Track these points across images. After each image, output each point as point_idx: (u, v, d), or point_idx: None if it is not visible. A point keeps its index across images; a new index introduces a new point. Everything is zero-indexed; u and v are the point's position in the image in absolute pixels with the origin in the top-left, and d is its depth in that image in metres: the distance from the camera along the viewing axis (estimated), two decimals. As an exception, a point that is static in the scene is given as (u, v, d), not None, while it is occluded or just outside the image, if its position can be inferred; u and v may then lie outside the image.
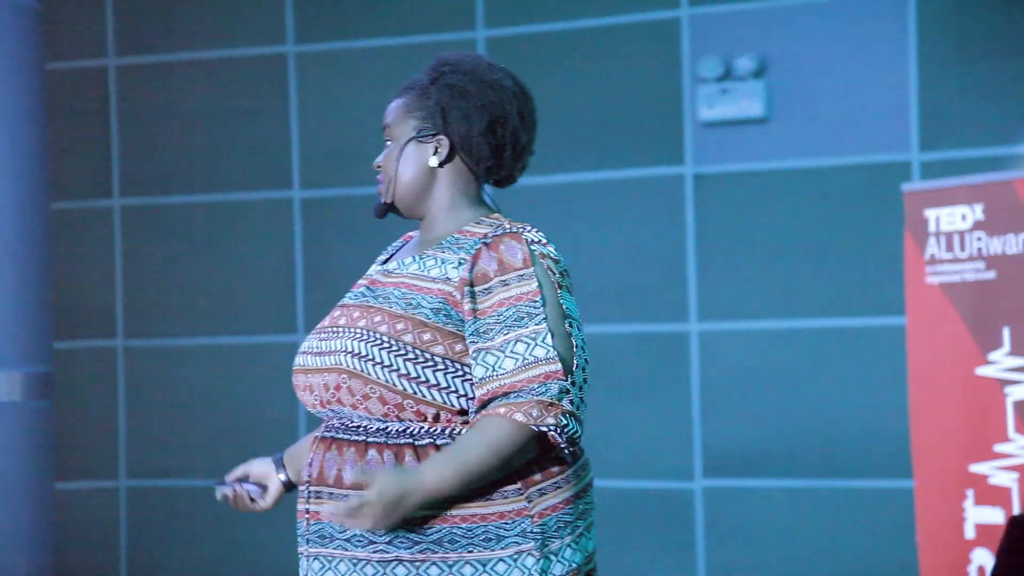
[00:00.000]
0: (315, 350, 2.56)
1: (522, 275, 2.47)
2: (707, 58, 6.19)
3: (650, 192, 6.28)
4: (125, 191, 6.95)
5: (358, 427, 2.50)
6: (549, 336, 2.43)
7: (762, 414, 6.11)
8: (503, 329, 2.44)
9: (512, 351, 2.43)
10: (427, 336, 2.47)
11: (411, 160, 2.63)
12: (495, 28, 6.52)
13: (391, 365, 2.45)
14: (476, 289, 2.48)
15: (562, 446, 2.42)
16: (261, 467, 2.78)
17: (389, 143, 2.66)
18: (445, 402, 2.47)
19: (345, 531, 2.47)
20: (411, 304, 2.49)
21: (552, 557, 2.47)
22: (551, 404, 2.40)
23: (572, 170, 6.38)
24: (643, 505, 6.27)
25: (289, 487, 2.75)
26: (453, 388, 2.47)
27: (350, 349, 2.48)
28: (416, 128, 2.62)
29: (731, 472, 6.17)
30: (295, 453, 2.76)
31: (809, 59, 6.12)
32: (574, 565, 2.50)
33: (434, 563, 2.44)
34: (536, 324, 2.44)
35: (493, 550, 2.45)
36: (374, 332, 2.48)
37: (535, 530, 2.46)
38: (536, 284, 2.47)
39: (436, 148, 2.62)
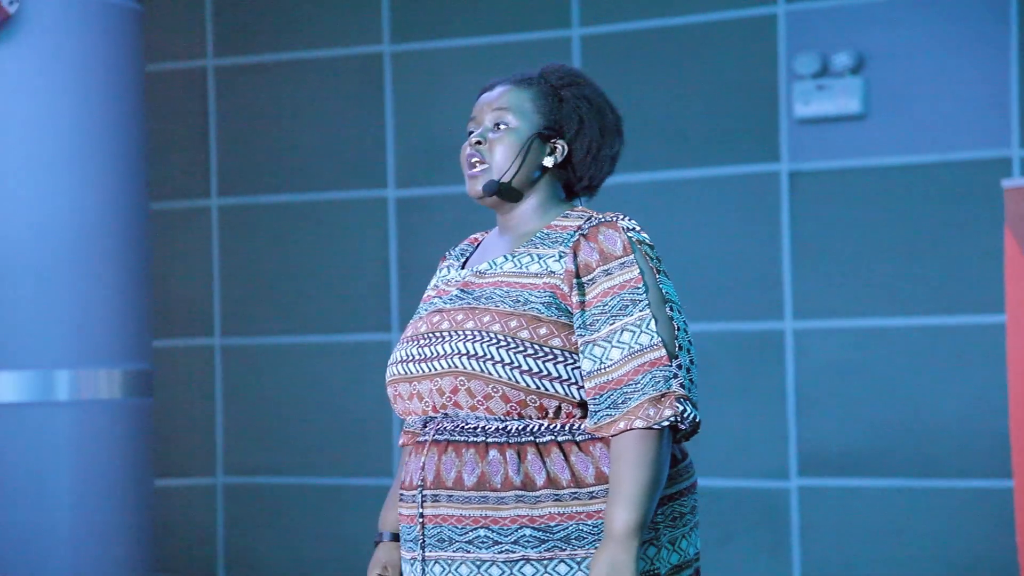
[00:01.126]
0: (418, 357, 2.55)
1: (623, 263, 2.48)
2: (804, 54, 6.14)
3: (745, 189, 6.24)
4: (223, 191, 7.03)
5: (475, 428, 2.50)
6: (653, 322, 2.45)
7: (858, 413, 6.06)
8: (608, 319, 2.46)
9: (618, 341, 2.44)
10: (543, 330, 2.48)
11: (529, 153, 2.62)
12: (590, 26, 6.52)
13: (512, 362, 2.46)
14: (582, 280, 2.49)
15: (686, 430, 2.45)
16: (388, 559, 2.74)
17: (501, 126, 2.63)
18: (567, 394, 2.47)
19: (466, 532, 2.48)
20: (519, 301, 2.50)
21: (669, 546, 2.50)
22: (662, 396, 2.41)
23: (667, 167, 6.36)
24: (738, 504, 6.24)
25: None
26: (573, 380, 2.48)
27: (465, 351, 2.48)
28: (542, 125, 2.63)
29: (826, 471, 6.13)
30: (392, 502, 2.74)
31: (907, 54, 6.06)
32: (689, 555, 2.54)
33: (562, 560, 2.45)
34: (640, 311, 2.45)
35: None
36: (487, 332, 2.48)
37: (656, 520, 2.49)
38: (637, 271, 2.48)
39: (553, 149, 2.63)
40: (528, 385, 2.46)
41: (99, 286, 5.26)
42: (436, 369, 2.51)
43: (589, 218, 2.56)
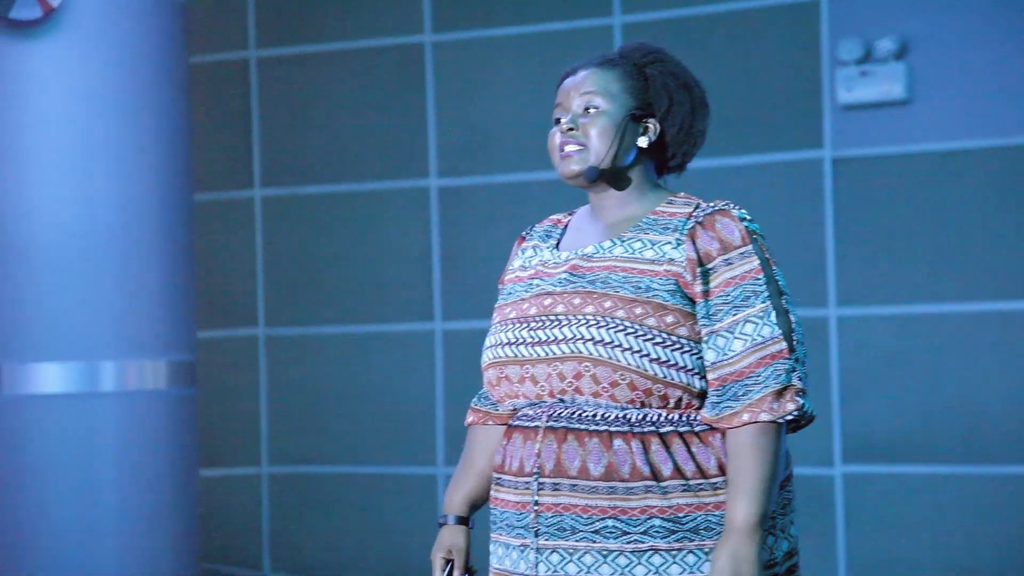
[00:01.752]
0: (531, 340, 2.51)
1: (743, 253, 2.48)
2: (847, 40, 6.11)
3: (789, 176, 6.22)
4: (266, 181, 7.04)
5: (594, 416, 2.47)
6: (774, 314, 2.45)
7: (902, 399, 6.03)
8: (731, 310, 2.45)
9: (741, 332, 2.44)
10: (669, 319, 2.45)
11: (626, 135, 2.59)
12: (632, 14, 6.50)
13: (640, 350, 2.43)
14: (706, 267, 2.47)
15: (804, 424, 2.45)
16: (452, 542, 2.73)
17: (591, 110, 2.58)
18: (689, 384, 2.46)
19: (593, 522, 2.45)
20: (639, 287, 2.47)
21: (781, 534, 2.52)
22: (784, 389, 2.42)
23: (710, 155, 6.34)
24: (783, 493, 6.22)
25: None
26: (696, 369, 2.46)
27: (590, 336, 2.45)
28: (634, 106, 2.59)
29: (871, 458, 6.10)
30: (460, 483, 2.73)
31: (950, 39, 6.02)
32: (795, 542, 2.55)
33: (691, 551, 2.43)
34: (761, 303, 2.45)
35: None
36: (610, 318, 2.45)
37: (772, 509, 2.47)
38: (757, 262, 2.48)
39: (646, 129, 2.60)
40: (656, 374, 2.44)
41: (143, 277, 5.29)
42: (555, 353, 2.48)
43: (698, 205, 2.54)
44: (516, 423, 2.58)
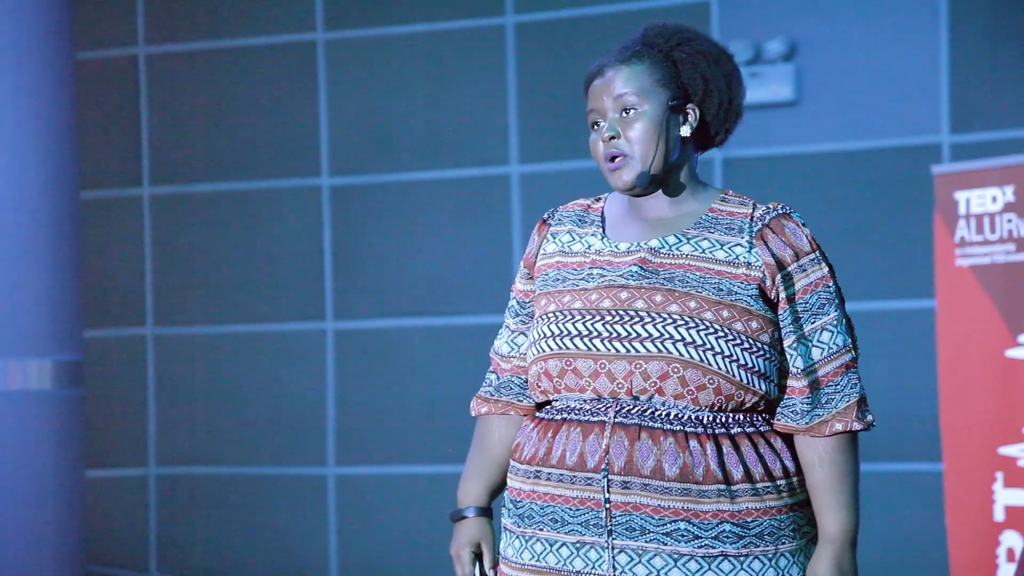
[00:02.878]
0: (608, 335, 2.42)
1: (813, 259, 2.46)
2: (737, 41, 6.15)
3: (679, 177, 6.25)
4: (155, 179, 6.97)
5: (668, 415, 2.40)
6: (844, 322, 2.45)
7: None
8: (811, 317, 2.43)
9: (819, 340, 2.43)
10: (755, 324, 2.41)
11: (669, 131, 2.48)
12: (525, 13, 6.51)
13: (730, 355, 2.39)
14: (785, 272, 2.44)
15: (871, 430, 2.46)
16: (480, 534, 2.62)
17: (628, 112, 2.47)
18: (766, 391, 2.43)
19: (665, 524, 2.38)
20: (722, 290, 2.41)
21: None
22: (861, 399, 2.43)
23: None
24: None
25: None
26: (773, 377, 2.44)
27: (680, 337, 2.38)
28: (670, 97, 2.48)
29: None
30: (479, 474, 2.63)
31: (839, 42, 6.08)
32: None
33: (756, 557, 2.40)
34: (834, 311, 2.45)
35: (798, 539, 2.45)
36: (698, 319, 2.39)
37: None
38: (827, 269, 2.47)
39: (686, 117, 2.50)
40: (741, 379, 2.39)
41: (28, 276, 5.21)
42: (639, 351, 2.39)
43: (755, 205, 2.49)
44: (569, 416, 2.46)
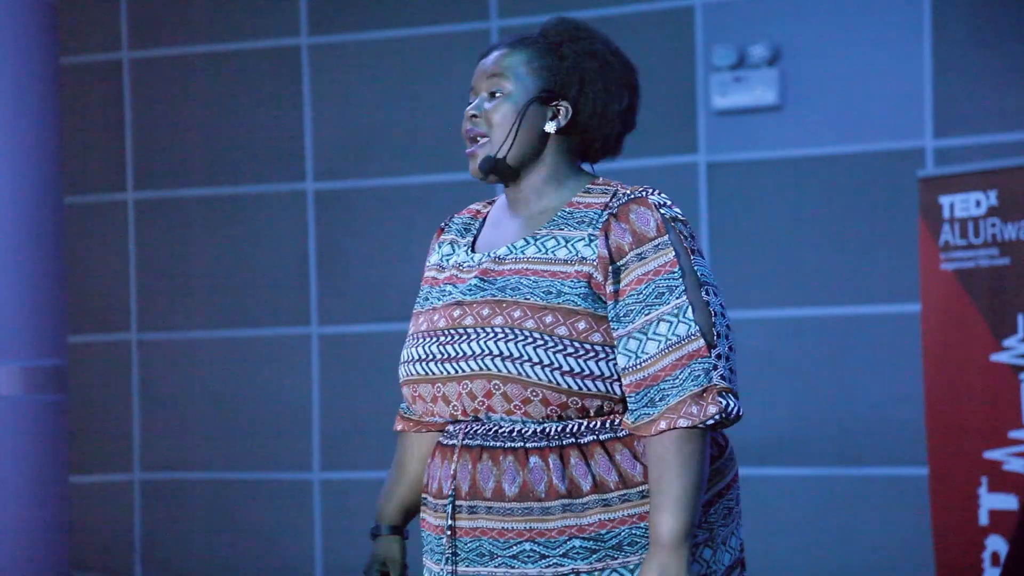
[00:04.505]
0: (440, 356, 2.34)
1: (657, 245, 2.29)
2: (720, 46, 6.17)
3: (663, 181, 6.26)
4: (139, 184, 6.96)
5: (510, 432, 2.31)
6: (690, 310, 2.25)
7: (776, 402, 6.09)
8: (643, 309, 2.27)
9: (655, 332, 2.26)
10: (582, 325, 2.28)
11: (528, 120, 2.39)
12: (509, 18, 6.51)
13: (552, 363, 2.26)
14: (617, 265, 2.29)
15: (731, 423, 2.27)
16: (387, 554, 2.56)
17: (496, 94, 2.40)
18: (609, 392, 2.29)
19: (510, 547, 2.29)
20: (551, 292, 2.29)
21: (722, 546, 2.36)
22: (703, 392, 2.23)
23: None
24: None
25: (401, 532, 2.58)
26: (615, 376, 2.29)
27: (498, 352, 2.27)
28: (540, 88, 2.39)
29: (744, 461, 6.14)
30: (393, 492, 2.56)
31: (822, 47, 6.10)
32: (737, 554, 2.39)
33: (614, 570, 2.27)
34: (676, 298, 2.26)
35: None
36: (519, 330, 2.27)
37: (709, 520, 2.33)
38: (672, 254, 2.28)
39: (555, 113, 2.40)
40: (570, 387, 2.26)
41: (11, 281, 5.20)
42: (464, 371, 2.30)
43: (615, 193, 2.36)
44: (439, 440, 2.42)
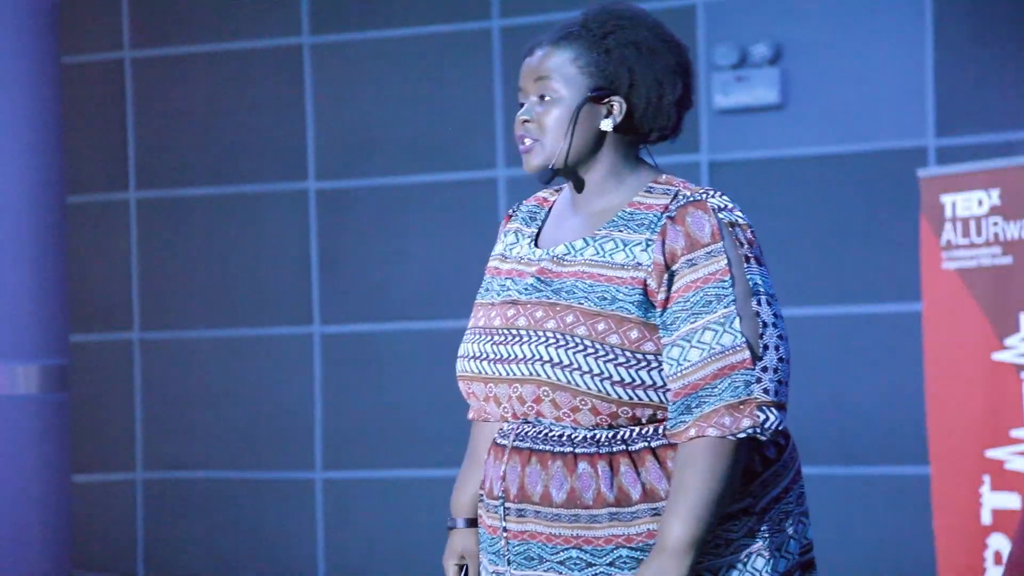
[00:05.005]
0: (493, 356, 2.31)
1: (710, 252, 2.24)
2: (722, 45, 6.16)
3: (665, 180, 6.26)
4: (141, 184, 6.96)
5: (561, 436, 2.27)
6: (737, 320, 2.21)
7: (779, 402, 6.08)
8: (689, 317, 2.22)
9: (699, 341, 2.21)
10: (634, 334, 2.23)
11: (582, 122, 2.33)
12: (511, 18, 6.51)
13: (602, 373, 2.22)
14: (672, 271, 2.24)
15: (764, 441, 2.23)
16: (464, 547, 2.50)
17: (546, 97, 2.35)
18: (662, 401, 2.24)
19: (558, 552, 2.26)
20: (605, 298, 2.24)
21: (778, 554, 2.30)
22: (741, 403, 2.19)
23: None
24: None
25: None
26: (666, 385, 2.25)
27: (548, 358, 2.24)
28: (590, 87, 2.33)
29: (747, 460, 6.15)
30: (467, 482, 2.51)
31: (824, 46, 6.09)
32: (796, 558, 2.35)
33: None
34: (724, 308, 2.21)
35: (723, 555, 2.26)
36: (570, 336, 2.23)
37: (762, 528, 2.28)
38: (724, 262, 2.23)
39: (610, 110, 2.34)
40: (620, 397, 2.23)
41: (14, 281, 5.21)
42: (515, 374, 2.27)
43: (676, 195, 2.30)
44: (495, 438, 2.39)
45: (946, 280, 4.79)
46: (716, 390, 2.20)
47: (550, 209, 2.46)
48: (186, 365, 6.87)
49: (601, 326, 2.23)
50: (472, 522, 2.48)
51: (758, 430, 2.19)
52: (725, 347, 2.20)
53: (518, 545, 2.30)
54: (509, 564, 2.31)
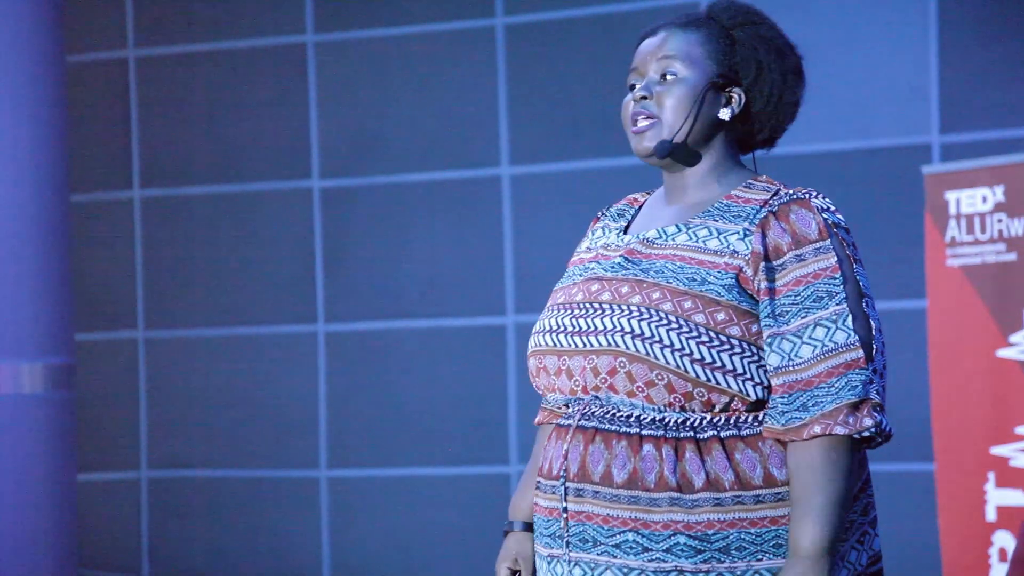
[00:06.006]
0: (571, 329, 2.26)
1: (818, 248, 2.21)
2: (726, 43, 6.16)
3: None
4: (145, 182, 6.97)
5: (628, 417, 2.23)
6: (850, 319, 2.17)
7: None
8: (800, 311, 2.18)
9: (810, 337, 2.17)
10: (721, 316, 2.19)
11: (705, 106, 2.31)
12: (515, 15, 6.51)
13: (683, 348, 2.17)
14: (772, 264, 2.21)
15: (880, 443, 2.19)
16: (519, 551, 2.44)
17: (668, 76, 2.32)
18: (740, 390, 2.20)
19: (614, 535, 2.21)
20: (695, 280, 2.21)
21: (839, 562, 2.23)
22: (860, 403, 2.16)
23: (595, 156, 6.36)
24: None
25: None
26: (749, 375, 2.21)
27: (630, 329, 2.20)
28: (716, 73, 2.32)
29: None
30: (528, 486, 2.44)
31: (828, 43, 6.09)
32: (859, 568, 2.27)
33: (720, 573, 2.18)
34: (836, 305, 2.18)
35: (784, 557, 2.19)
36: (656, 310, 2.19)
37: (851, 519, 2.24)
38: (835, 259, 2.20)
39: (729, 100, 2.33)
40: (697, 376, 2.18)
41: (19, 279, 5.21)
42: (592, 345, 2.23)
43: (777, 192, 2.28)
44: (557, 422, 2.34)
45: (950, 277, 4.79)
46: (833, 388, 2.17)
47: (640, 207, 2.43)
48: (190, 363, 6.88)
49: (688, 304, 2.20)
50: (529, 526, 2.43)
51: (877, 430, 2.17)
52: (839, 344, 2.18)
53: (574, 526, 2.25)
54: (567, 546, 2.26)
